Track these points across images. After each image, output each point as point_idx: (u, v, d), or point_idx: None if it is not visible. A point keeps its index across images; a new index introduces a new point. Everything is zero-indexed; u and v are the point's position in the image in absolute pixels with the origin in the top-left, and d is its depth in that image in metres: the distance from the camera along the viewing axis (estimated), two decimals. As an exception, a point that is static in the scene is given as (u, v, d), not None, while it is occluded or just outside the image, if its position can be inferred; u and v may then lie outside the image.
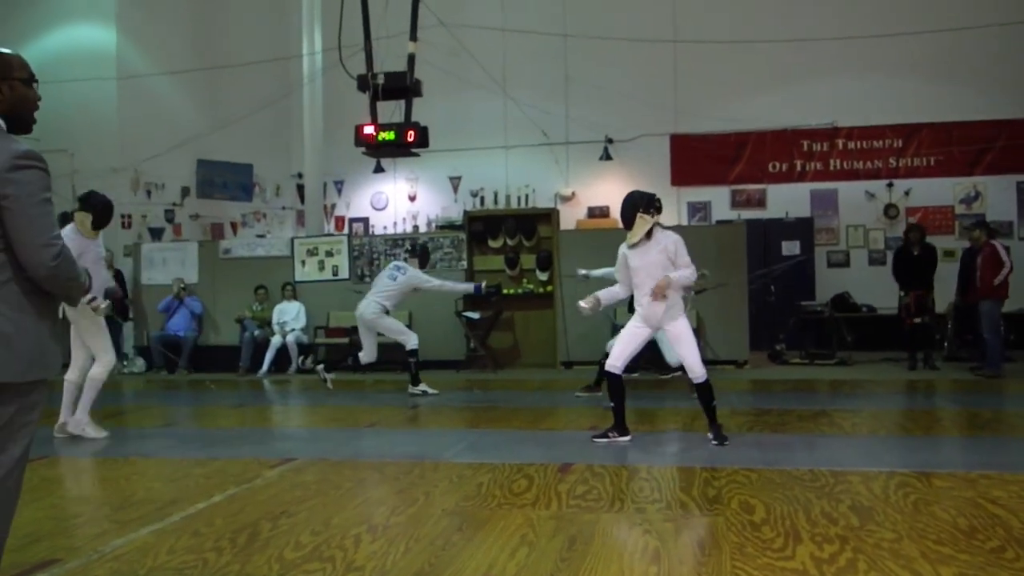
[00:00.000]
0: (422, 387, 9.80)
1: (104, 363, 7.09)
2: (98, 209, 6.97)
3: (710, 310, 11.98)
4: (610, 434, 6.55)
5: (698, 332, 11.74)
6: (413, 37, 10.59)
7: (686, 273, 6.32)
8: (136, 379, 12.79)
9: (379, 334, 9.86)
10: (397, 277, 9.74)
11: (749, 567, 3.56)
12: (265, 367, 12.58)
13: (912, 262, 11.48)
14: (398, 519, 4.48)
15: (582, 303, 6.68)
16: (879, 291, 14.12)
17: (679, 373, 10.68)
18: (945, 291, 12.07)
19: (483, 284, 10.45)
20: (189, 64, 15.23)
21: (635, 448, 6.38)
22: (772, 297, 13.21)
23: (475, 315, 12.30)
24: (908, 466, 5.44)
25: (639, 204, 6.38)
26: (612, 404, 6.61)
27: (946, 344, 12.55)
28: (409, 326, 12.69)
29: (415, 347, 9.87)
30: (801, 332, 12.85)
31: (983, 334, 10.69)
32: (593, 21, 15.21)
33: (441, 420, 8.33)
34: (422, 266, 9.91)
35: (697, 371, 6.35)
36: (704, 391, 6.41)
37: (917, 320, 11.37)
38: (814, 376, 10.99)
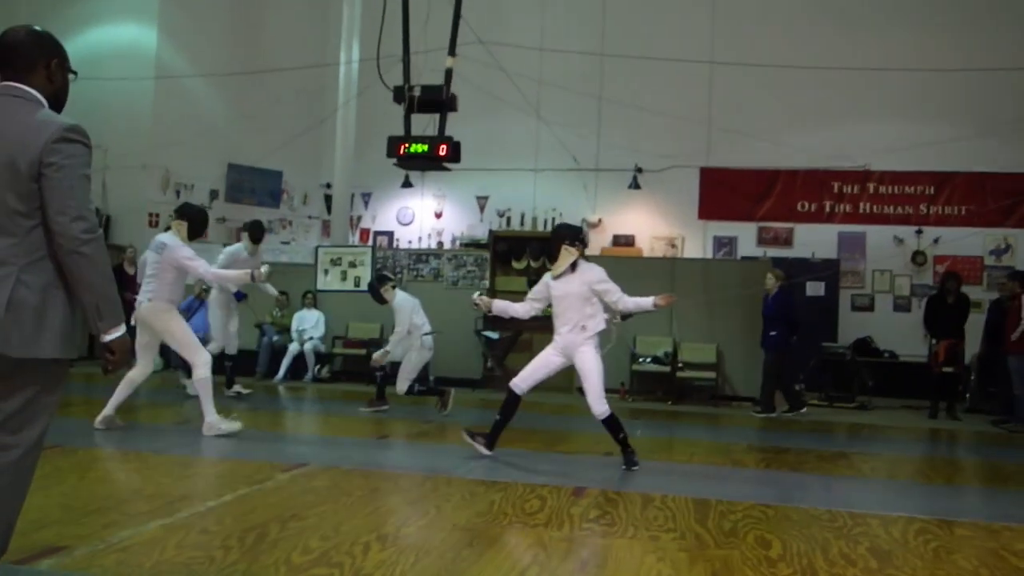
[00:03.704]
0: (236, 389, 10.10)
1: (201, 363, 7.20)
2: (193, 218, 7.48)
3: (731, 346, 11.90)
4: (478, 438, 6.62)
5: (716, 367, 11.79)
6: (452, 52, 10.62)
7: (628, 300, 6.45)
8: (153, 376, 12.76)
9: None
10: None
11: (765, 602, 3.48)
12: (281, 373, 12.57)
13: (946, 310, 11.33)
14: (408, 530, 4.43)
15: (475, 296, 6.86)
16: (902, 337, 13.98)
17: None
18: (971, 342, 11.91)
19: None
20: (227, 68, 15.39)
21: (650, 476, 6.29)
22: (794, 337, 13.07)
23: (494, 335, 12.26)
24: (928, 513, 5.33)
25: (565, 236, 6.55)
26: (498, 416, 6.62)
27: (968, 395, 12.37)
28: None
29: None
30: (821, 374, 12.70)
31: (1013, 389, 10.46)
32: (630, 46, 15.22)
33: (454, 436, 8.23)
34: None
35: (597, 408, 6.36)
36: (609, 425, 6.41)
37: (947, 369, 11.20)
38: (833, 418, 10.86)
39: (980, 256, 14.63)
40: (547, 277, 6.63)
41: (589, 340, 6.39)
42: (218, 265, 9.32)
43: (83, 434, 6.87)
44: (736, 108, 15.14)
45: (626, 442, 6.41)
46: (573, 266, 6.44)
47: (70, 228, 2.75)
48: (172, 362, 13.21)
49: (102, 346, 2.90)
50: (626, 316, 9.19)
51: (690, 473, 6.70)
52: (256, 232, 10.30)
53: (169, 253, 7.14)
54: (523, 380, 6.60)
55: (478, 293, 7.00)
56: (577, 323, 6.39)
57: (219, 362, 10.33)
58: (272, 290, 10.97)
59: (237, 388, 10.22)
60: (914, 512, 5.33)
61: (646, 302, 6.42)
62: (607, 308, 6.57)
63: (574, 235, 6.53)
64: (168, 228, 7.67)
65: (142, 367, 7.37)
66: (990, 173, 14.39)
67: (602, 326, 6.49)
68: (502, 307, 6.85)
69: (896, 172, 14.82)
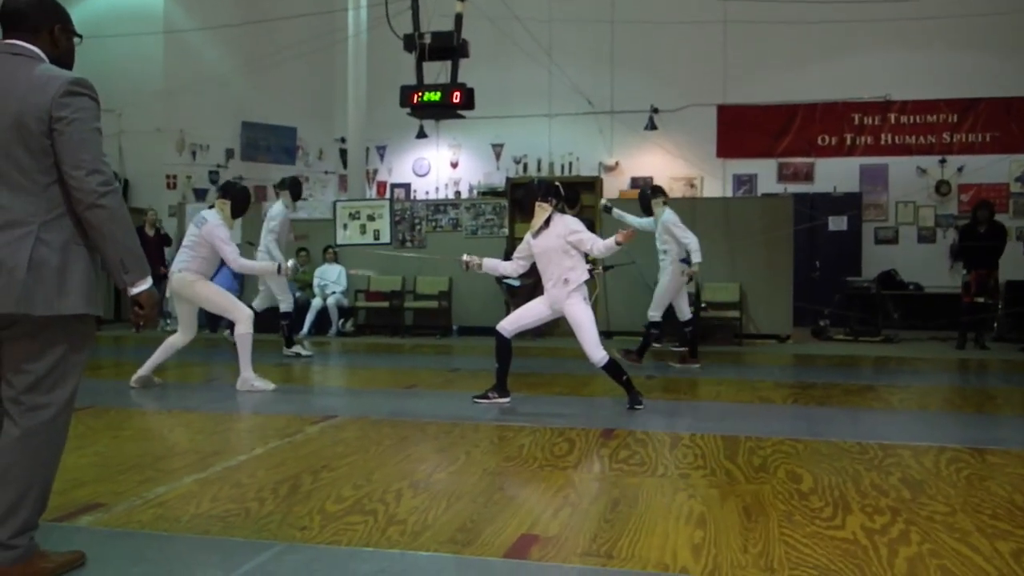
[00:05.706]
0: (295, 349, 10.08)
1: (243, 319, 7.22)
2: (236, 197, 7.45)
3: (754, 284, 11.84)
4: (491, 395, 6.69)
5: (740, 306, 11.73)
6: (462, -4, 10.43)
7: (600, 243, 6.39)
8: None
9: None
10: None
11: (798, 534, 3.48)
12: (305, 329, 12.62)
13: (978, 240, 11.17)
14: (439, 476, 4.46)
15: (464, 257, 6.86)
16: (928, 269, 13.87)
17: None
18: (1003, 272, 11.74)
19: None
20: (235, 26, 15.23)
21: (678, 415, 6.33)
22: (817, 273, 13.00)
23: (515, 282, 12.21)
24: (960, 442, 5.31)
25: (536, 192, 6.56)
26: (497, 365, 6.70)
27: (995, 324, 12.26)
28: (449, 292, 12.80)
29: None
30: (846, 309, 12.63)
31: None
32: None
33: (480, 384, 8.26)
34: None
35: (595, 356, 6.38)
36: (610, 370, 6.44)
37: (979, 299, 11.09)
38: (859, 352, 10.81)
39: (1006, 183, 14.41)
40: (528, 235, 6.67)
41: (575, 293, 6.43)
42: (271, 227, 9.54)
43: (114, 394, 6.95)
44: (751, 44, 14.86)
45: (630, 384, 6.46)
46: (547, 221, 6.47)
47: (86, 182, 2.73)
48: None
49: (130, 301, 2.90)
50: (608, 267, 9.26)
51: (717, 411, 6.70)
52: (296, 189, 10.11)
53: (208, 229, 7.17)
54: (510, 324, 6.68)
55: (465, 255, 6.98)
56: (559, 277, 6.44)
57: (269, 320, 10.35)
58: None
59: (297, 349, 10.17)
60: (945, 442, 5.31)
61: (610, 241, 6.40)
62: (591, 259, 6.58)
63: (546, 191, 6.54)
64: (212, 205, 7.66)
65: (183, 333, 7.39)
66: (1015, 98, 14.09)
67: (585, 277, 6.53)
68: (491, 265, 6.91)
69: (917, 101, 14.55)
